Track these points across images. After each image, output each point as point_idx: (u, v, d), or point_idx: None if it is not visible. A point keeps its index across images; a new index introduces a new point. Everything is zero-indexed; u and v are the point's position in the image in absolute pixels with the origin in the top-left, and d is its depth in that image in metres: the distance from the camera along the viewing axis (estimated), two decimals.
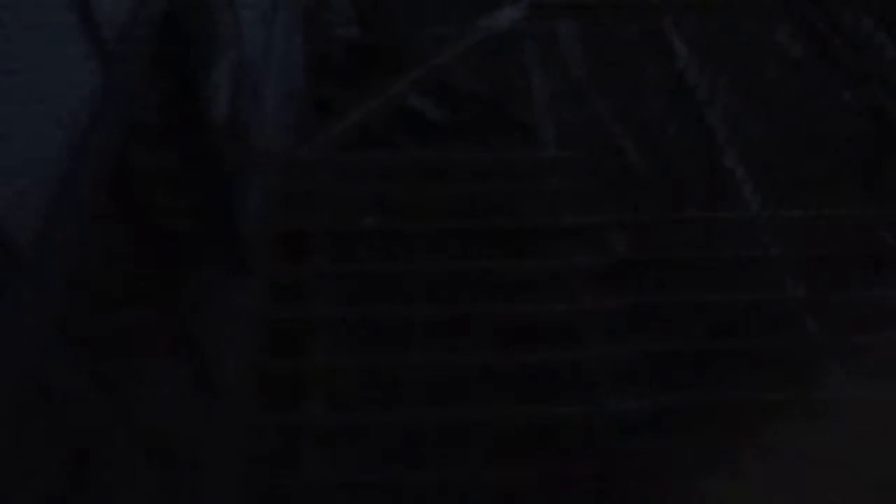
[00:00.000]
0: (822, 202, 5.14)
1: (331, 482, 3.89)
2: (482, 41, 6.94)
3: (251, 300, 4.50)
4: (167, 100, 3.55)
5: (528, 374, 4.60)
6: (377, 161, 5.79)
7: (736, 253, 4.92)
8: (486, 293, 5.00)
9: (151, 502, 3.17)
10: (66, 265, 2.25)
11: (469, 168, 5.77)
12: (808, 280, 4.74)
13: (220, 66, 3.96)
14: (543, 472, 4.04)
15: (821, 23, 6.83)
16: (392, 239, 5.30)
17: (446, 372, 4.60)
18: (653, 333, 4.56)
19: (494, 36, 6.97)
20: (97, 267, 3.05)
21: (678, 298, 4.69)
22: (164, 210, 3.83)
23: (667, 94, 6.32)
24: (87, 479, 2.69)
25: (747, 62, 6.76)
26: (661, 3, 7.27)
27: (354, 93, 6.60)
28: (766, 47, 6.94)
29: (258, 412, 4.16)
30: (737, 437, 4.12)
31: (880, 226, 5.01)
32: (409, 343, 4.76)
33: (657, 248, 5.14)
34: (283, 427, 4.18)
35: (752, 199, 5.11)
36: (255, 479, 3.83)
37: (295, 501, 3.83)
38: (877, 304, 4.59)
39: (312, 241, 5.15)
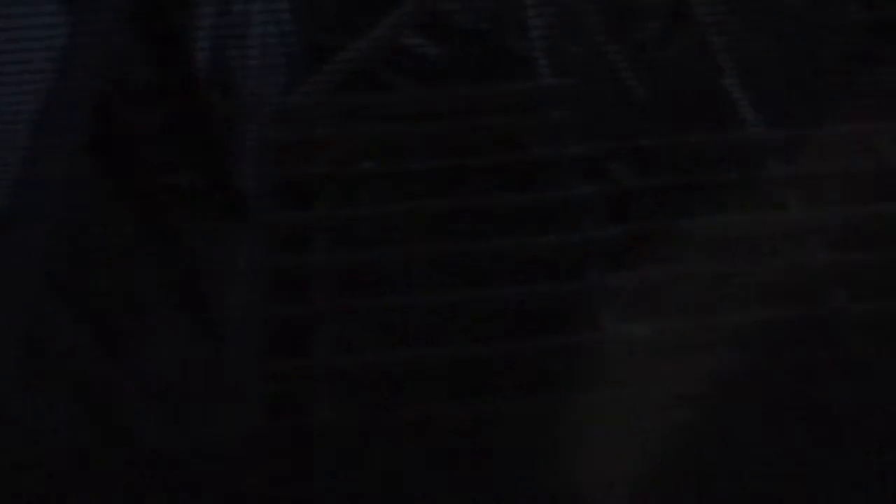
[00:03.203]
0: (823, 119, 5.04)
1: (340, 425, 3.96)
2: None
3: (252, 250, 4.51)
4: (148, 50, 3.49)
5: (533, 308, 4.62)
6: (373, 103, 5.71)
7: (738, 175, 4.86)
8: (491, 228, 4.99)
9: (161, 452, 3.24)
10: (50, 225, 2.25)
11: (467, 104, 5.68)
12: (813, 199, 4.69)
13: (202, 14, 3.88)
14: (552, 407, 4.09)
15: None
16: (392, 181, 5.27)
17: (451, 310, 4.62)
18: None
19: None
20: (90, 225, 3.06)
21: (680, 224, 4.65)
22: (157, 165, 3.82)
23: (665, 15, 6.15)
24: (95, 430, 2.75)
25: None
26: None
27: (345, 33, 6.46)
28: None
29: (264, 359, 4.21)
30: None
31: (882, 141, 4.92)
32: (414, 283, 4.78)
33: (660, 173, 5.09)
34: (290, 373, 4.24)
35: (753, 120, 5.02)
36: (264, 425, 3.90)
37: (304, 447, 3.91)
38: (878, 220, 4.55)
39: (311, 187, 5.13)
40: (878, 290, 4.31)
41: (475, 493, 3.82)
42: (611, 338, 4.28)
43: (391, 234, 5.02)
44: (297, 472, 3.78)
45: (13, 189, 2.10)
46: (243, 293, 4.33)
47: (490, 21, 6.84)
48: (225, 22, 4.24)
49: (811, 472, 3.80)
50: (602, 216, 4.82)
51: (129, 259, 3.47)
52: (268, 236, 4.76)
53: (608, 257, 4.66)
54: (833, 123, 5.01)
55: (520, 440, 4.02)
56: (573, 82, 5.53)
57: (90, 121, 2.60)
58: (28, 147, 2.18)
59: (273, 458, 3.75)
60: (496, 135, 5.51)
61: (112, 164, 3.24)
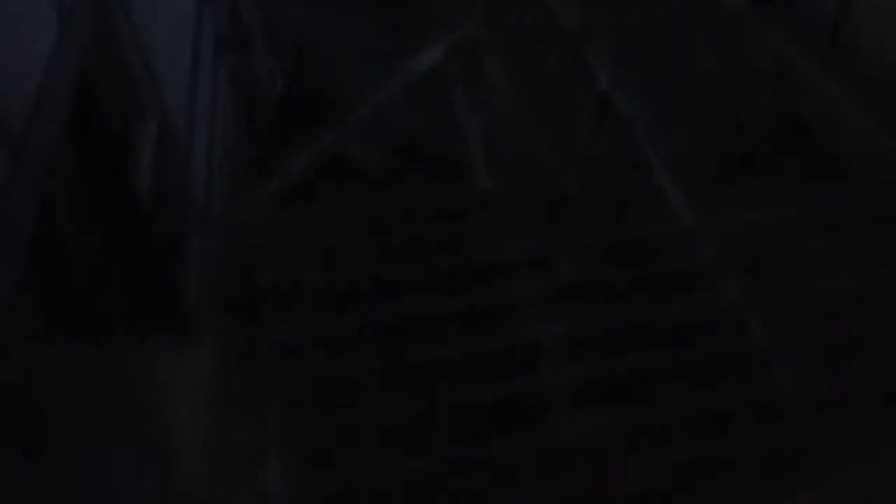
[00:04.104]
0: (747, 206, 5.28)
1: None
2: (409, 84, 7.01)
3: (199, 367, 4.40)
4: (89, 173, 3.49)
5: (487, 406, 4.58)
6: (317, 215, 5.77)
7: (675, 264, 5.01)
8: (439, 333, 4.98)
9: None
10: None
11: (408, 212, 5.78)
12: (748, 282, 4.84)
13: (142, 133, 3.92)
14: None
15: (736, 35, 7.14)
16: (341, 290, 5.26)
17: (404, 415, 4.56)
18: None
19: (420, 78, 7.04)
20: (26, 354, 2.97)
21: (624, 316, 4.74)
22: (98, 285, 3.75)
23: (593, 116, 6.45)
24: None
25: (667, 78, 6.95)
26: (579, 30, 7.47)
27: (287, 148, 6.59)
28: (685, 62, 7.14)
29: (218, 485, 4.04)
30: None
31: (805, 223, 5.18)
32: (368, 391, 4.71)
33: (599, 267, 5.20)
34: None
35: (683, 210, 5.21)
36: None
37: None
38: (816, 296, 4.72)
39: (261, 301, 5.08)
40: None
41: None
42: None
43: (342, 343, 4.97)
44: None
45: None
46: (192, 413, 4.20)
47: (426, 130, 7.06)
48: (163, 139, 4.27)
49: None
50: (548, 313, 4.88)
51: (71, 379, 3.35)
52: (215, 351, 4.66)
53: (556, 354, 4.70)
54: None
55: None
56: (508, 185, 5.69)
57: (30, 240, 2.56)
58: None
59: None
60: (438, 240, 5.60)
61: (51, 280, 3.18)
